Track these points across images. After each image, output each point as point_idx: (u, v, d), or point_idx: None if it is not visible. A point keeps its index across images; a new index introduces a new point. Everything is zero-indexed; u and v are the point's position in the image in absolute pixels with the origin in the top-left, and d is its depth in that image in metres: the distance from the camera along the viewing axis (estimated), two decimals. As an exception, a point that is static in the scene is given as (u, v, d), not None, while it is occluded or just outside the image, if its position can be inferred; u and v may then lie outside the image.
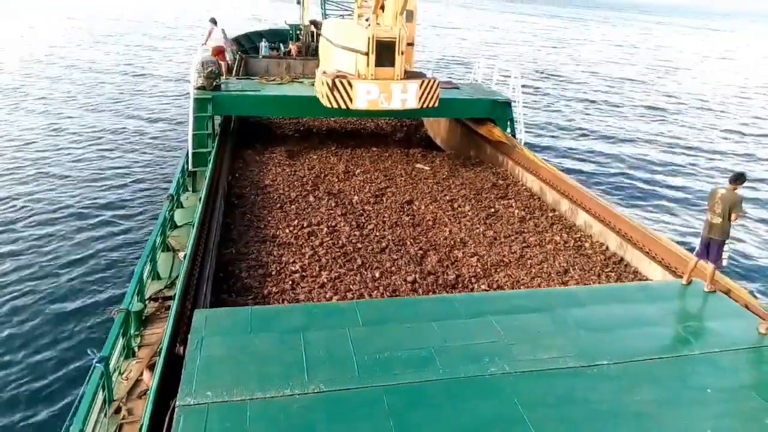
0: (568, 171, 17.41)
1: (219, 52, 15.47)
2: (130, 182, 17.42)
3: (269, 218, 10.61)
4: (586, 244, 10.26)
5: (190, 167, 12.59)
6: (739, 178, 7.20)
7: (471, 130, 15.70)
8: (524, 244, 10.15)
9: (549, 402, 5.28)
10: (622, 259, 9.66)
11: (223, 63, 16.48)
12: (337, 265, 8.96)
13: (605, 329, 6.55)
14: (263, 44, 23.70)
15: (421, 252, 9.63)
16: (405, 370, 5.52)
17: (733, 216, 7.09)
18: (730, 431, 5.16)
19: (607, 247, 10.09)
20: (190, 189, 12.20)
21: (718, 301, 7.38)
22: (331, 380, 5.32)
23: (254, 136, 16.23)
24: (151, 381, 5.51)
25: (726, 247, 7.30)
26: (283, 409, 4.93)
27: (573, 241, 10.38)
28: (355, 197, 11.92)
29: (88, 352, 5.40)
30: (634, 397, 5.41)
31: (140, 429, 4.79)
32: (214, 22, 17.54)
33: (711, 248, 7.31)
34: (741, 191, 7.23)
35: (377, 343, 5.93)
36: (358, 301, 7.72)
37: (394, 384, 5.33)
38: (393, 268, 9.01)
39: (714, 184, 7.51)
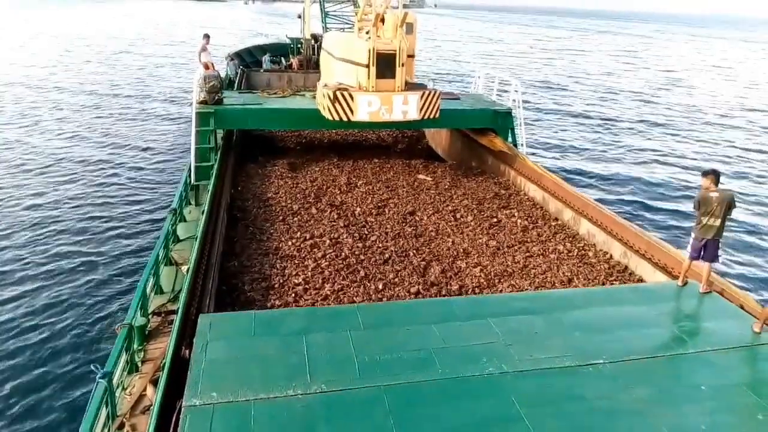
0: (570, 180, 17.42)
1: (206, 66, 15.51)
2: (133, 196, 17.48)
3: (272, 231, 10.61)
4: (590, 253, 10.22)
5: (192, 181, 12.63)
6: (718, 179, 7.40)
7: (472, 140, 15.74)
8: (527, 254, 10.12)
9: (546, 400, 5.36)
10: (626, 268, 9.62)
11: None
12: (340, 277, 8.94)
13: (601, 330, 6.64)
14: (266, 58, 23.89)
15: (424, 263, 9.61)
16: (405, 371, 5.64)
17: (731, 213, 7.29)
18: (724, 427, 5.20)
19: (611, 256, 10.05)
20: (193, 202, 12.22)
21: (713, 302, 7.45)
22: (333, 381, 5.43)
23: (256, 149, 16.30)
24: (154, 396, 5.49)
25: (720, 245, 7.48)
26: (286, 408, 5.06)
27: (576, 250, 10.34)
28: (358, 209, 11.93)
29: (92, 367, 5.41)
30: (630, 394, 5.49)
31: (148, 428, 4.84)
32: (205, 37, 17.54)
33: (708, 248, 7.43)
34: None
35: (377, 345, 6.06)
36: (359, 304, 7.80)
37: (394, 384, 5.44)
38: (396, 280, 8.99)
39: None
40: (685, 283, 7.78)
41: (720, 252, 7.48)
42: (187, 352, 5.91)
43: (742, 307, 7.28)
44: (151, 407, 5.34)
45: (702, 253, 7.48)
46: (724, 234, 7.43)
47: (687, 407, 5.37)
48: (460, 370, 5.70)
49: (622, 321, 6.88)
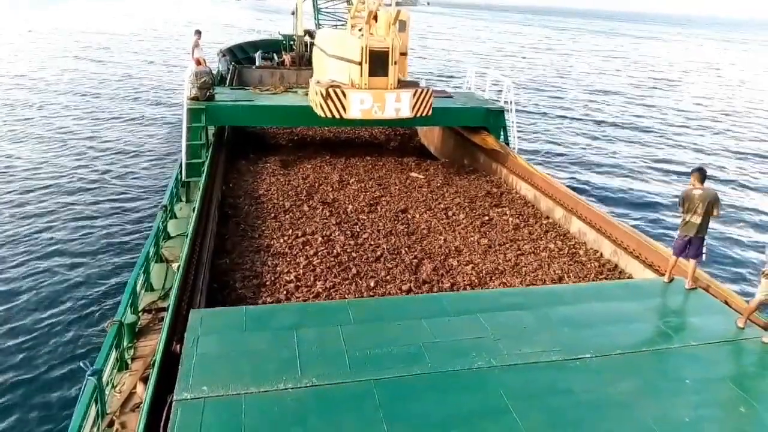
0: (562, 178, 17.51)
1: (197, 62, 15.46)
2: (124, 192, 17.34)
3: (263, 228, 10.58)
4: (581, 252, 10.29)
5: (183, 177, 12.55)
6: (705, 175, 7.51)
7: (465, 138, 15.77)
8: (519, 252, 10.17)
9: (533, 393, 5.46)
10: (616, 266, 9.69)
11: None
12: (332, 275, 8.94)
13: (588, 325, 6.77)
14: (258, 54, 23.80)
15: (416, 261, 9.63)
16: (395, 365, 5.71)
17: (715, 212, 7.37)
18: (707, 419, 5.31)
19: (602, 254, 10.12)
20: (184, 199, 12.15)
21: (699, 298, 7.60)
22: (324, 375, 5.49)
23: (248, 145, 16.23)
24: (144, 394, 5.47)
25: (704, 242, 7.60)
26: (276, 402, 5.10)
27: (567, 248, 10.40)
28: (350, 206, 11.92)
29: (81, 365, 5.38)
30: (616, 387, 5.61)
31: (138, 423, 4.85)
32: (196, 33, 17.37)
33: (692, 245, 7.57)
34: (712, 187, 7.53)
35: (368, 340, 6.13)
36: (350, 300, 7.88)
37: (384, 378, 5.50)
38: (388, 277, 9.00)
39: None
40: (671, 280, 7.93)
41: (704, 249, 7.60)
42: (179, 347, 5.92)
43: (727, 303, 7.43)
44: (141, 404, 5.32)
45: (687, 250, 7.61)
46: (711, 232, 7.52)
47: (672, 400, 5.49)
48: (450, 364, 5.78)
49: (609, 316, 7.01)
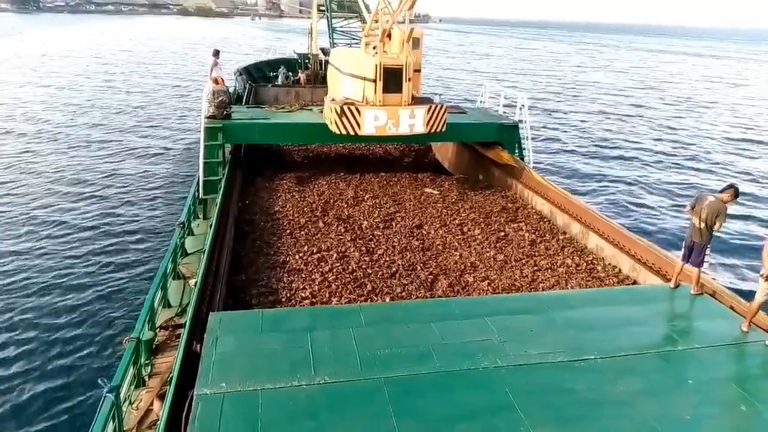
0: (578, 193, 17.35)
1: (215, 81, 15.66)
2: (142, 210, 17.58)
3: (279, 244, 10.64)
4: (599, 267, 10.15)
5: (201, 195, 12.69)
6: (727, 190, 7.43)
7: (479, 153, 15.75)
8: (535, 268, 10.07)
9: (538, 391, 5.64)
10: (635, 282, 9.54)
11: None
12: (347, 291, 8.93)
13: (594, 328, 6.90)
14: (281, 71, 24.16)
15: (431, 277, 9.58)
16: (404, 365, 5.95)
17: (716, 225, 7.32)
18: (708, 417, 5.42)
19: (620, 270, 9.98)
20: (201, 216, 12.27)
21: (704, 303, 7.66)
22: (335, 373, 5.76)
23: (264, 163, 16.40)
24: (161, 411, 5.49)
25: (707, 251, 7.57)
26: (291, 397, 5.40)
27: (585, 264, 10.28)
28: (365, 222, 11.93)
29: (99, 381, 5.47)
30: (618, 387, 5.75)
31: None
32: (215, 53, 17.63)
33: (694, 251, 7.59)
34: (729, 204, 7.37)
35: (378, 341, 6.38)
36: (362, 304, 8.11)
37: (393, 376, 5.74)
38: (403, 294, 8.97)
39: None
40: (677, 286, 7.95)
41: (707, 259, 7.59)
42: (199, 346, 6.20)
43: (733, 309, 7.44)
44: (158, 420, 5.33)
45: (690, 254, 7.64)
46: (725, 236, 7.46)
47: (673, 399, 5.59)
48: (457, 364, 5.98)
49: (614, 320, 7.13)
